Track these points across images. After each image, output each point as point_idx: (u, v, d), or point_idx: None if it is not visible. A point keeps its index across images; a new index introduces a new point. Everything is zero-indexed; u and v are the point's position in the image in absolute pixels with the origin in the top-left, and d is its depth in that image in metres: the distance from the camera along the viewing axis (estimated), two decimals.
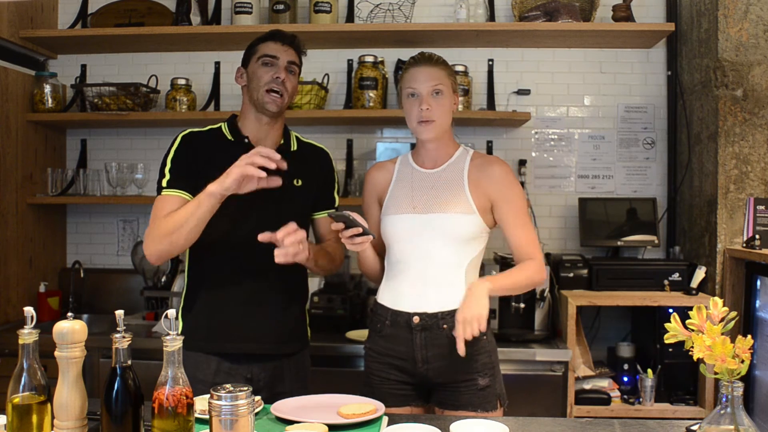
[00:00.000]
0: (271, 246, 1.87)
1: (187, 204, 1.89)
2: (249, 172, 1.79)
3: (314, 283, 3.10)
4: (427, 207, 2.01)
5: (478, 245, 2.03)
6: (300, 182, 2.08)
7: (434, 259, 1.98)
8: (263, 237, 1.84)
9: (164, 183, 1.99)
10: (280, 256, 1.84)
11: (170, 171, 1.99)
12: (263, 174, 1.80)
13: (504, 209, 2.02)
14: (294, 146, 2.14)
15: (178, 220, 1.87)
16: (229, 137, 2.07)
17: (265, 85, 2.00)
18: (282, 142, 2.11)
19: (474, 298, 1.88)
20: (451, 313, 1.94)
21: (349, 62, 3.36)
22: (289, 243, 1.83)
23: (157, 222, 1.92)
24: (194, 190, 1.93)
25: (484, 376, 1.97)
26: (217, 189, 1.82)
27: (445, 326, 1.95)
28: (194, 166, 1.99)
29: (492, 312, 2.15)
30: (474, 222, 1.99)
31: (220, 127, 2.09)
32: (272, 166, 1.80)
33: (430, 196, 2.02)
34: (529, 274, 2.01)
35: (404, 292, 2.00)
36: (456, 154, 2.08)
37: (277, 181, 1.86)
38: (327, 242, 2.15)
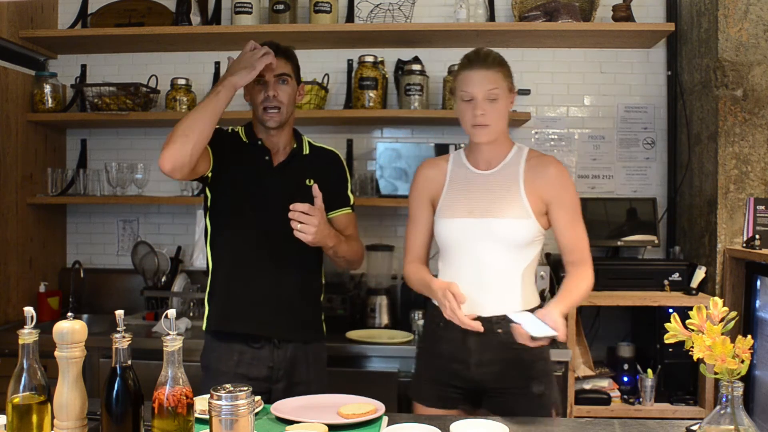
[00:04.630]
0: (287, 242, 2.03)
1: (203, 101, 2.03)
2: (267, 60, 2.03)
3: None
4: (483, 211, 1.94)
5: (534, 249, 1.98)
6: (312, 182, 2.17)
7: (490, 264, 1.93)
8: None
9: None
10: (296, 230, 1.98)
11: None
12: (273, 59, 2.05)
13: (559, 212, 1.96)
14: (306, 150, 2.27)
15: (193, 115, 2.00)
16: (245, 140, 2.22)
17: (261, 104, 2.14)
18: (295, 146, 2.24)
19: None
20: (506, 318, 1.89)
21: (349, 62, 3.36)
22: (292, 216, 1.95)
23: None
24: (217, 159, 2.12)
25: (539, 383, 1.93)
26: (238, 80, 2.01)
27: (499, 330, 1.90)
28: (222, 144, 2.15)
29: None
30: (530, 226, 1.93)
31: (238, 131, 2.25)
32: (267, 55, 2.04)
33: (486, 200, 1.96)
34: (587, 286, 1.98)
35: None
36: (510, 154, 2.02)
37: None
38: (346, 237, 2.24)
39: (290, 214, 1.95)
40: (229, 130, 2.25)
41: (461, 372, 1.95)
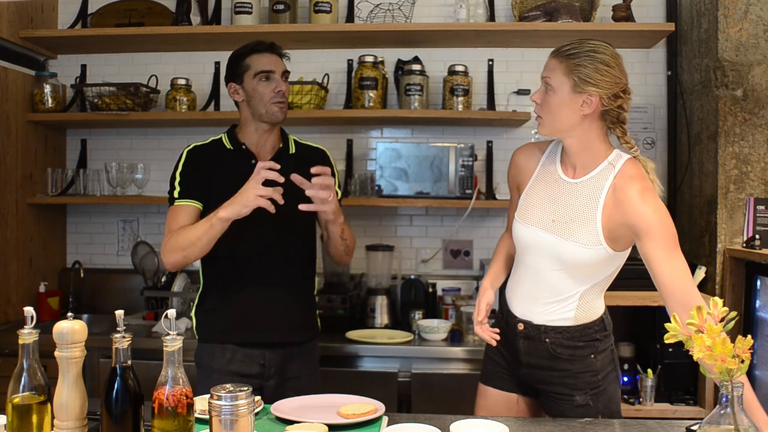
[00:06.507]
0: (278, 244, 2.11)
1: (199, 223, 2.03)
2: (261, 204, 1.91)
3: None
4: (552, 226, 1.85)
5: (605, 270, 1.87)
6: None
7: (548, 279, 1.87)
8: (295, 178, 1.96)
9: (176, 194, 2.15)
10: (305, 205, 1.96)
11: (180, 183, 2.15)
12: (272, 208, 1.92)
13: (647, 244, 1.75)
14: (293, 149, 2.27)
15: (191, 238, 2.01)
16: (229, 146, 2.21)
17: (270, 99, 2.14)
18: (281, 145, 2.24)
19: None
20: (556, 329, 1.88)
21: (349, 62, 3.36)
22: (317, 186, 1.94)
23: (172, 234, 2.06)
24: (204, 198, 2.13)
25: (584, 394, 1.88)
26: (230, 215, 1.94)
27: (547, 340, 1.88)
28: (201, 176, 2.15)
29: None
30: (599, 253, 1.80)
31: (221, 138, 2.23)
32: (277, 177, 1.93)
33: (559, 214, 1.85)
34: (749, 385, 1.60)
35: (516, 299, 1.96)
36: (600, 167, 1.85)
37: (279, 194, 1.95)
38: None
39: (316, 179, 1.94)
40: (208, 141, 2.23)
41: (513, 367, 1.97)
